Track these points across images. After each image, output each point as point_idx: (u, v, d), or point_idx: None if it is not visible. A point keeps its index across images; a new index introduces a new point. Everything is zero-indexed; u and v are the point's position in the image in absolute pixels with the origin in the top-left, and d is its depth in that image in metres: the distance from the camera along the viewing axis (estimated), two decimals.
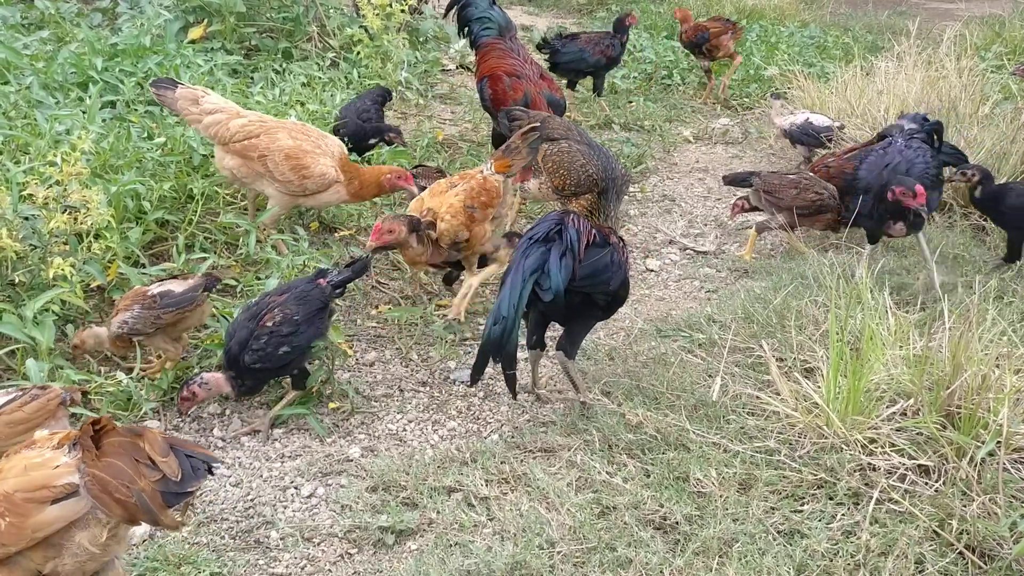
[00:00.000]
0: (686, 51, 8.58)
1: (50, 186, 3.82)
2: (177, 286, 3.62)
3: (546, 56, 7.38)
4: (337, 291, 3.67)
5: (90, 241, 3.93)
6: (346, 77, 6.91)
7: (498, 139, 6.08)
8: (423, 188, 5.13)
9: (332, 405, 3.70)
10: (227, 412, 3.68)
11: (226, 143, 4.37)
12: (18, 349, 3.53)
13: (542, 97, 5.73)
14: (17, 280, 3.71)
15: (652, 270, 5.18)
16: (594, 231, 3.47)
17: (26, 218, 3.83)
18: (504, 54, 5.99)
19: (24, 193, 3.84)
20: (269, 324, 3.43)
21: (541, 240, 3.39)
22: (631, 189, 6.31)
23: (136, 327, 3.51)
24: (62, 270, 3.57)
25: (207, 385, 3.43)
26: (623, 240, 3.67)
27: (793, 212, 5.06)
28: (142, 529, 3.00)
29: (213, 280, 3.74)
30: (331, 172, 4.42)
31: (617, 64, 7.71)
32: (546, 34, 7.69)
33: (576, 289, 3.37)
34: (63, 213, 3.72)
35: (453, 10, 6.37)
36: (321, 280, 3.62)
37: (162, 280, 3.70)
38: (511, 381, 3.44)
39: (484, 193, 4.19)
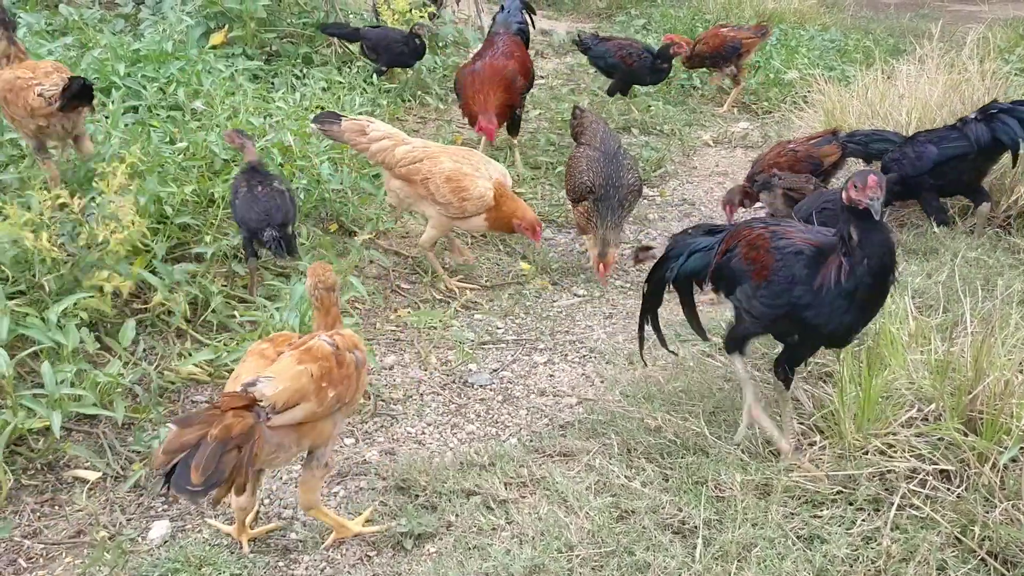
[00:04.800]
0: (696, 64, 8.37)
1: (92, 198, 3.88)
2: None
3: (582, 51, 7.90)
4: None
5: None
6: (365, 81, 6.94)
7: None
8: None
9: None
10: None
11: (392, 168, 4.60)
12: (42, 351, 3.56)
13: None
14: (47, 285, 3.74)
15: None
16: (759, 254, 3.20)
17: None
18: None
19: (60, 202, 3.87)
20: None
21: (707, 232, 3.61)
22: (650, 193, 6.31)
23: None
24: (103, 282, 3.61)
25: None
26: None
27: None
28: (163, 531, 3.04)
29: None
30: (488, 195, 4.56)
31: (642, 79, 7.64)
32: (581, 34, 8.02)
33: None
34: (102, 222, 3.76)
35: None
36: None
37: None
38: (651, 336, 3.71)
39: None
